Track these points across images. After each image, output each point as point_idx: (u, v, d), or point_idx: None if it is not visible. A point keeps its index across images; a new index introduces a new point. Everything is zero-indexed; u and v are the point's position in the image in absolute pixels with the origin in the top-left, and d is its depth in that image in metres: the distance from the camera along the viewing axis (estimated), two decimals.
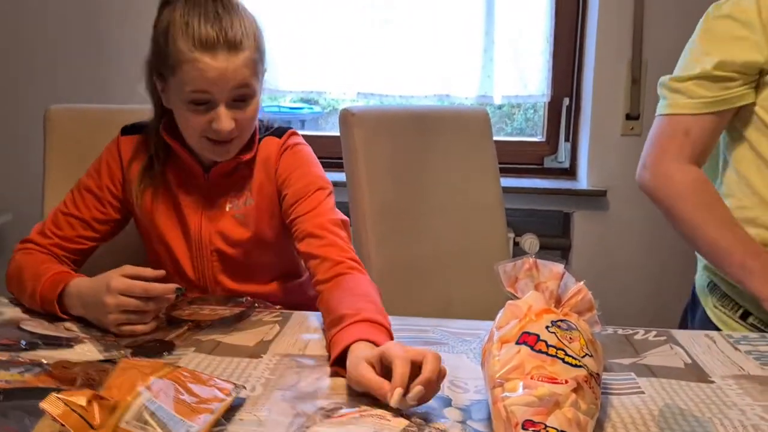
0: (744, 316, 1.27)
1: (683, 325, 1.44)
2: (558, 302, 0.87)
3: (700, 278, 1.40)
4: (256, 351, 0.98)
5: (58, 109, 1.49)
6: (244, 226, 1.21)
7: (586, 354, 0.79)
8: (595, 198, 2.28)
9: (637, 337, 1.08)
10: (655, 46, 2.19)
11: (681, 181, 1.28)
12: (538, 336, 0.78)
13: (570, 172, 2.41)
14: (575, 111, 2.38)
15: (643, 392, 0.88)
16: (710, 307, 1.35)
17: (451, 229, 1.70)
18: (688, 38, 1.34)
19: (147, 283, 1.00)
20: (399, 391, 0.75)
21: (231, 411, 0.78)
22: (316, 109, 2.66)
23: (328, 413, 0.77)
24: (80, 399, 0.63)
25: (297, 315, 1.14)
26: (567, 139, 2.39)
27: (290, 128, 1.26)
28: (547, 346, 0.77)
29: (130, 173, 1.21)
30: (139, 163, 1.21)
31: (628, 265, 2.31)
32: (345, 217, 1.18)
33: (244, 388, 0.81)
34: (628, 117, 2.23)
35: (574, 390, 0.73)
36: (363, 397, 0.82)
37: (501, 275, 0.90)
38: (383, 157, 1.60)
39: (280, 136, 1.22)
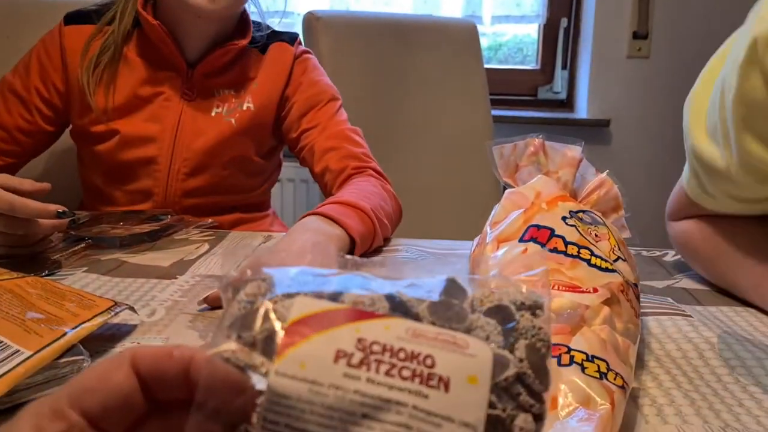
0: None
1: None
2: (573, 198, 0.64)
3: None
4: (170, 272, 0.73)
5: None
6: (234, 135, 0.98)
7: (619, 257, 0.56)
8: (596, 129, 2.04)
9: (667, 258, 0.85)
10: None
11: (689, 226, 0.79)
12: (551, 230, 0.55)
13: (567, 104, 2.16)
14: (574, 33, 2.12)
15: (690, 315, 0.65)
16: None
17: (432, 159, 1.52)
18: None
19: (17, 198, 0.68)
20: None
21: (110, 341, 0.54)
22: None
23: None
24: None
25: (236, 234, 0.90)
26: (564, 67, 2.13)
27: (296, 34, 1.08)
28: (565, 243, 0.54)
29: (84, 63, 0.94)
30: (93, 52, 0.95)
31: (632, 204, 2.06)
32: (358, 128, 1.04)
33: (133, 309, 0.57)
34: (636, 36, 1.96)
35: (607, 302, 0.50)
36: None
37: (497, 161, 0.67)
38: (353, 71, 1.43)
39: (291, 43, 1.05)
